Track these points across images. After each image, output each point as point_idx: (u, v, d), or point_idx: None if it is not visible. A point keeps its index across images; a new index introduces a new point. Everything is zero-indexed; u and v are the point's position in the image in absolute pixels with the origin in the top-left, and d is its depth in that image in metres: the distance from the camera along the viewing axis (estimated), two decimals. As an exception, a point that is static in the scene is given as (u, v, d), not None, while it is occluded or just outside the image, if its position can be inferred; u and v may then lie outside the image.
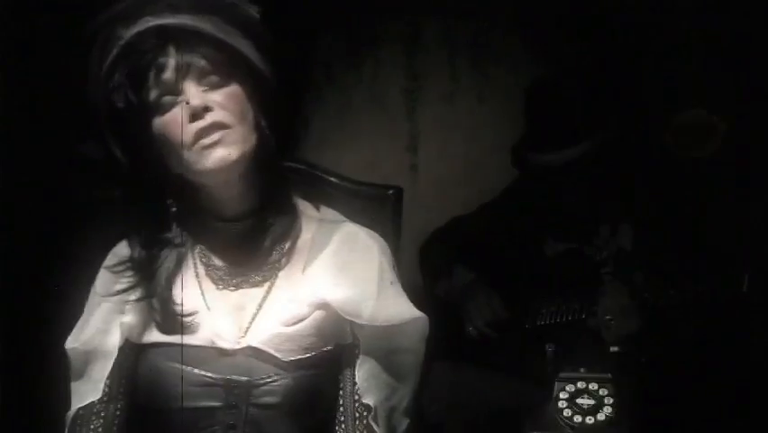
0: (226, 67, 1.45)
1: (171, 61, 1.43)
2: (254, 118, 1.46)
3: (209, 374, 1.44)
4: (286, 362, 1.45)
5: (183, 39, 1.43)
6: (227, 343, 1.47)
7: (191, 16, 1.43)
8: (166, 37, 1.43)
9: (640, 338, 2.29)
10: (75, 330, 1.52)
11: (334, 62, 2.91)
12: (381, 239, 1.58)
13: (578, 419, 1.73)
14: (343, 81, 2.92)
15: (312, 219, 1.57)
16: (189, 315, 1.48)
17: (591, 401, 1.73)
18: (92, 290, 1.54)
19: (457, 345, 2.44)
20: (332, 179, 1.73)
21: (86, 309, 1.54)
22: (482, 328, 2.44)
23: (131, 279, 1.50)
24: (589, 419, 1.72)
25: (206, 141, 1.42)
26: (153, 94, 1.43)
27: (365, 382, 1.49)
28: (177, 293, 1.49)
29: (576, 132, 2.37)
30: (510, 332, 2.43)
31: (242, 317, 1.49)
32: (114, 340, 1.49)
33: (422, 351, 1.53)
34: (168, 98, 1.43)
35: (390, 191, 1.74)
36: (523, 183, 2.53)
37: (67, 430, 1.49)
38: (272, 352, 1.45)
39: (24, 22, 2.16)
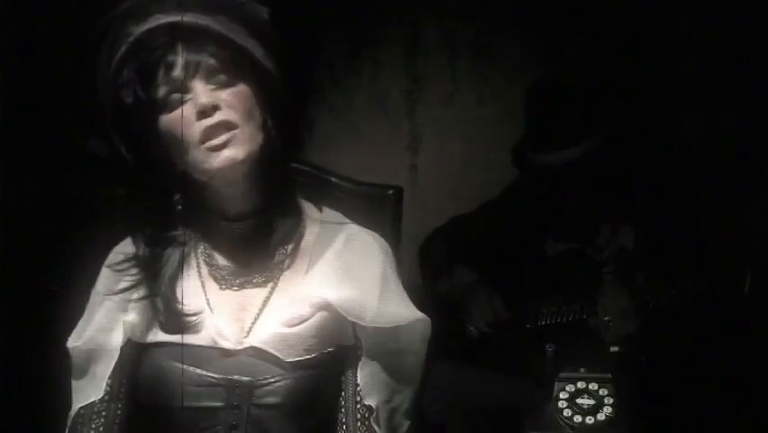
0: (234, 66, 1.45)
1: (180, 59, 1.43)
2: (261, 118, 1.46)
3: (211, 374, 1.44)
4: (288, 362, 1.45)
5: (192, 37, 1.44)
6: (229, 343, 1.47)
7: (201, 14, 1.44)
8: (175, 35, 1.44)
9: (640, 338, 2.29)
10: (77, 329, 1.52)
11: (335, 64, 2.92)
12: (384, 241, 1.58)
13: (578, 419, 1.73)
14: (344, 83, 2.92)
15: (315, 221, 1.57)
16: (193, 315, 1.48)
17: (591, 401, 1.74)
18: (94, 289, 1.54)
19: (458, 346, 2.44)
20: (332, 179, 1.73)
21: (87, 308, 1.53)
22: (483, 328, 2.44)
23: (134, 277, 1.50)
24: (589, 419, 1.73)
25: (215, 141, 1.42)
26: (161, 91, 1.44)
27: (367, 384, 1.49)
28: (180, 292, 1.49)
29: (576, 132, 2.37)
30: (511, 332, 2.43)
31: (244, 318, 1.49)
32: (116, 339, 1.49)
33: (423, 352, 1.53)
34: (175, 96, 1.44)
35: (390, 191, 1.75)
36: (523, 183, 2.53)
37: (68, 429, 1.49)
38: (274, 352, 1.45)
39: (25, 19, 2.16)
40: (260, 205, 1.51)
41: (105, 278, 1.54)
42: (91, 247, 1.61)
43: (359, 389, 1.49)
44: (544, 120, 2.42)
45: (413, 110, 2.92)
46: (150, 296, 1.49)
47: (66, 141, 2.10)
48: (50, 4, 2.21)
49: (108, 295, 1.51)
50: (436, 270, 2.54)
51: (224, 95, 1.44)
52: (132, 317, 1.49)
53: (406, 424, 1.52)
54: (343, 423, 1.49)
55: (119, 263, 1.53)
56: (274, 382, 1.44)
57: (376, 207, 1.72)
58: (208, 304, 1.50)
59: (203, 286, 1.52)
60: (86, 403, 1.49)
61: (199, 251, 1.54)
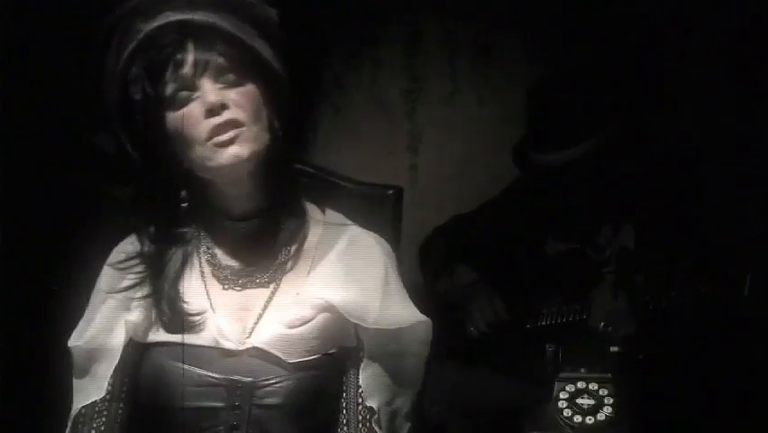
0: (243, 66, 1.45)
1: (190, 57, 1.44)
2: (267, 119, 1.47)
3: (212, 375, 1.44)
4: (289, 363, 1.45)
5: (202, 35, 1.44)
6: (231, 343, 1.47)
7: (211, 13, 1.44)
8: (185, 32, 1.44)
9: (639, 338, 2.29)
10: (78, 328, 1.52)
11: (335, 63, 2.92)
12: (386, 243, 1.58)
13: (578, 419, 1.73)
14: (344, 82, 2.92)
15: (318, 222, 1.57)
16: (196, 314, 1.48)
17: (591, 401, 1.74)
18: (95, 288, 1.54)
19: (458, 346, 2.44)
20: (332, 179, 1.73)
21: (89, 307, 1.53)
22: (483, 329, 2.44)
23: (138, 275, 1.51)
24: (589, 419, 1.73)
25: (221, 138, 1.42)
26: (170, 88, 1.44)
27: (369, 385, 1.49)
28: (184, 292, 1.49)
29: (577, 132, 2.37)
30: (511, 332, 2.44)
31: (246, 318, 1.49)
32: (118, 338, 1.49)
33: (425, 355, 1.54)
34: (183, 93, 1.44)
35: (390, 191, 1.75)
36: (524, 183, 2.53)
37: (69, 429, 1.49)
38: (276, 353, 1.45)
39: (26, 16, 2.16)
40: (264, 205, 1.52)
41: (107, 276, 1.54)
42: (91, 246, 1.61)
43: (361, 390, 1.49)
44: (544, 120, 2.42)
45: (413, 110, 2.92)
46: (154, 294, 1.49)
47: (66, 140, 2.10)
48: (50, 1, 2.21)
49: (111, 293, 1.51)
50: (436, 270, 2.54)
51: (233, 94, 1.44)
52: (134, 316, 1.49)
53: (406, 426, 1.53)
54: (344, 424, 1.49)
55: (122, 261, 1.53)
56: (276, 382, 1.44)
57: (376, 207, 1.72)
58: (210, 304, 1.50)
59: (205, 286, 1.52)
60: (87, 403, 1.49)
61: (202, 250, 1.54)
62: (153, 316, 1.49)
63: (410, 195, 1.83)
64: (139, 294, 1.50)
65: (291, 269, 1.52)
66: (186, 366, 1.44)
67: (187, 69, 1.44)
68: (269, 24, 1.47)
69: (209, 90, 1.43)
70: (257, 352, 1.46)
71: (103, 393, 1.48)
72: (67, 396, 1.51)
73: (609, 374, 1.79)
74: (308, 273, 1.52)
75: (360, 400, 1.49)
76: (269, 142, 1.46)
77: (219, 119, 1.42)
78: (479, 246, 2.52)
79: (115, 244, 1.57)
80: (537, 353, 1.93)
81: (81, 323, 1.52)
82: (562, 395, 1.76)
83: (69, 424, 1.49)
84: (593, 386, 1.76)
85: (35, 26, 2.20)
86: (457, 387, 2.35)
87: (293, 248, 1.53)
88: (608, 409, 1.73)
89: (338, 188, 1.73)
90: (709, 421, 2.25)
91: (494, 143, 2.75)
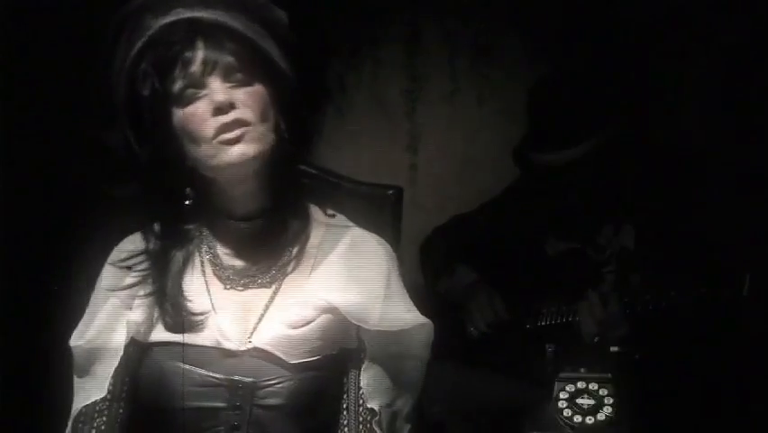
0: (252, 66, 1.45)
1: (199, 55, 1.44)
2: (274, 119, 1.47)
3: (214, 375, 1.44)
4: (291, 364, 1.45)
5: (212, 34, 1.44)
6: (232, 344, 1.47)
7: (221, 12, 1.45)
8: (196, 30, 1.44)
9: (637, 338, 2.29)
10: (79, 327, 1.52)
11: (335, 63, 2.92)
12: (388, 244, 1.58)
13: (578, 419, 1.74)
14: (344, 82, 2.92)
15: (320, 224, 1.57)
16: (199, 314, 1.48)
17: (591, 401, 1.74)
18: (96, 287, 1.54)
19: (458, 346, 2.44)
20: (331, 178, 1.73)
21: (90, 307, 1.53)
22: (483, 329, 2.44)
23: (142, 272, 1.51)
24: (589, 419, 1.73)
25: (228, 136, 1.42)
26: (177, 85, 1.44)
27: (370, 387, 1.49)
28: (186, 291, 1.49)
29: (577, 131, 2.37)
30: (511, 332, 2.44)
31: (248, 319, 1.49)
32: (119, 338, 1.49)
33: (426, 357, 1.54)
34: (191, 91, 1.44)
35: (390, 191, 1.74)
36: (524, 183, 2.53)
37: (69, 428, 1.49)
38: (278, 354, 1.45)
39: (26, 15, 2.16)
40: (267, 205, 1.52)
41: (109, 275, 1.54)
42: (92, 246, 1.61)
43: (362, 392, 1.49)
44: (544, 120, 2.42)
45: (413, 110, 2.92)
46: (157, 292, 1.49)
47: (66, 139, 2.10)
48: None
49: (114, 291, 1.51)
50: (437, 270, 2.54)
51: (241, 94, 1.44)
52: (135, 315, 1.49)
53: (406, 427, 1.53)
54: (345, 425, 1.49)
55: (126, 259, 1.53)
56: (277, 383, 1.44)
57: (376, 207, 1.72)
58: (212, 304, 1.50)
59: (207, 285, 1.51)
60: (87, 403, 1.49)
61: (204, 250, 1.54)
62: (155, 315, 1.49)
63: (410, 195, 1.83)
64: (142, 292, 1.50)
65: (293, 270, 1.52)
66: (187, 366, 1.44)
67: (195, 67, 1.44)
68: (279, 25, 1.48)
69: (217, 89, 1.43)
70: (258, 352, 1.46)
71: (104, 393, 1.48)
72: (67, 396, 1.51)
73: (609, 374, 1.79)
74: (310, 275, 1.52)
75: (361, 402, 1.49)
76: (275, 143, 1.46)
77: (226, 118, 1.42)
78: (479, 246, 2.52)
79: (116, 243, 1.57)
80: (537, 353, 1.94)
81: (82, 323, 1.52)
82: (562, 395, 1.76)
83: (70, 424, 1.49)
84: (593, 386, 1.76)
85: (35, 25, 2.20)
86: (457, 387, 2.35)
87: (295, 249, 1.53)
88: (608, 409, 1.74)
89: (338, 188, 1.72)
90: (709, 421, 2.25)
91: (494, 143, 2.75)
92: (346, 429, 1.48)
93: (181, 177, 1.48)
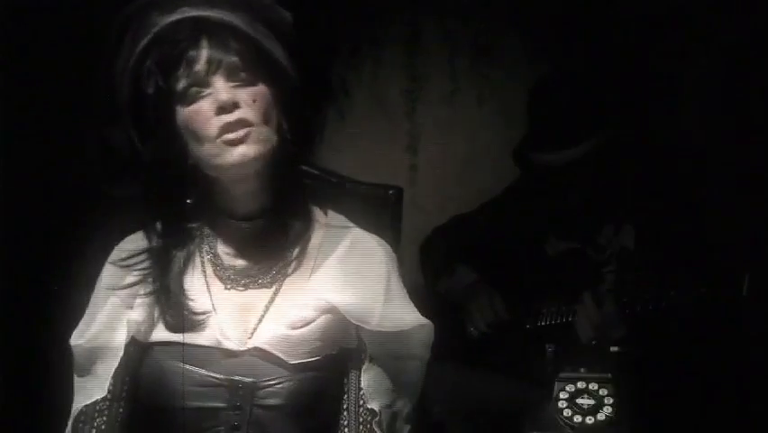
0: (256, 66, 1.46)
1: (204, 54, 1.44)
2: (277, 120, 1.47)
3: (214, 375, 1.44)
4: (291, 364, 1.45)
5: (217, 33, 1.45)
6: (233, 344, 1.47)
7: (227, 12, 1.45)
8: (201, 29, 1.45)
9: (636, 338, 2.29)
10: (80, 327, 1.52)
11: (335, 63, 2.91)
12: (388, 245, 1.58)
13: (578, 419, 1.74)
14: (344, 81, 2.92)
15: (320, 224, 1.57)
16: (199, 314, 1.48)
17: (591, 401, 1.74)
18: (97, 286, 1.54)
19: (458, 346, 2.44)
20: (331, 179, 1.73)
21: (90, 306, 1.53)
22: (483, 329, 2.45)
23: (144, 271, 1.51)
24: (589, 419, 1.73)
25: (231, 136, 1.43)
26: (181, 84, 1.44)
27: (370, 387, 1.49)
28: (186, 291, 1.50)
29: (577, 132, 2.37)
30: (511, 332, 2.44)
31: (248, 319, 1.49)
32: (120, 337, 1.49)
33: (426, 358, 1.54)
34: (194, 90, 1.44)
35: (390, 191, 1.75)
36: (524, 183, 2.53)
37: (70, 428, 1.49)
38: (278, 354, 1.45)
39: (26, 14, 2.16)
40: (268, 206, 1.52)
41: (109, 274, 1.54)
42: (92, 245, 1.61)
43: (362, 392, 1.49)
44: (544, 120, 2.42)
45: (413, 110, 2.92)
46: (158, 291, 1.49)
47: (66, 139, 2.10)
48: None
49: (115, 290, 1.51)
50: (437, 270, 2.54)
51: (244, 93, 1.45)
52: (136, 314, 1.49)
53: (407, 428, 1.53)
54: (345, 426, 1.49)
55: (126, 258, 1.53)
56: (277, 383, 1.44)
57: (376, 208, 1.72)
58: (212, 304, 1.50)
59: (207, 285, 1.52)
60: (88, 402, 1.49)
61: (204, 249, 1.54)
62: (156, 314, 1.49)
63: (410, 195, 1.83)
64: (142, 291, 1.50)
65: (294, 271, 1.52)
66: (187, 366, 1.44)
67: (200, 66, 1.44)
68: (284, 26, 1.48)
69: (221, 88, 1.44)
70: (258, 352, 1.46)
71: (104, 392, 1.48)
72: (67, 395, 1.51)
73: (609, 374, 1.79)
74: (310, 276, 1.52)
75: (361, 402, 1.49)
76: (278, 144, 1.47)
77: (230, 117, 1.43)
78: (479, 246, 2.52)
79: (116, 242, 1.57)
80: (537, 353, 1.93)
81: (82, 322, 1.52)
82: (562, 395, 1.76)
83: (70, 423, 1.49)
84: (593, 386, 1.76)
85: (35, 25, 2.20)
86: (457, 387, 2.35)
87: (296, 250, 1.53)
88: (608, 409, 1.74)
89: (338, 189, 1.73)
90: (709, 421, 2.25)
91: (494, 143, 2.75)
92: (346, 430, 1.48)
93: (183, 176, 1.48)
